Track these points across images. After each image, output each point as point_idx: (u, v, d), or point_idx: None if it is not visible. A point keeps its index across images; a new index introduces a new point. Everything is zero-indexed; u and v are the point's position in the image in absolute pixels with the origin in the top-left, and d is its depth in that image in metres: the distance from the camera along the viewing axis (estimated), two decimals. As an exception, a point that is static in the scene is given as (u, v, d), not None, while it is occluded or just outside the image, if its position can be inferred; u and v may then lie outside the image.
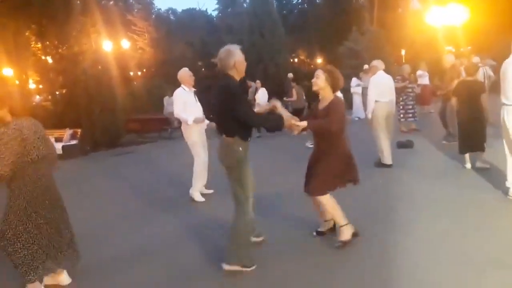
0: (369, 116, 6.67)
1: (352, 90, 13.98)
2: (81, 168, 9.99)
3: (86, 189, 7.48)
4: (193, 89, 5.94)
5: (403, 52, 21.84)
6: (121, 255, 4.16)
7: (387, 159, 6.66)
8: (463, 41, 15.35)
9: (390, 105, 6.69)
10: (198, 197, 5.83)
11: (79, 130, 11.85)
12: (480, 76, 7.90)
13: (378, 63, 6.91)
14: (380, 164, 6.69)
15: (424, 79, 13.18)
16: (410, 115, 9.84)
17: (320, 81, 3.66)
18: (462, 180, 5.49)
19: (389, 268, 3.34)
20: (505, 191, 4.68)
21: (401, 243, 3.77)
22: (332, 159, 3.69)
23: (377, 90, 6.57)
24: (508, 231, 3.87)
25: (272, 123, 3.47)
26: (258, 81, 12.95)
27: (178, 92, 5.89)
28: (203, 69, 27.91)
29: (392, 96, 6.77)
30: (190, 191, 5.90)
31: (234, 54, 3.35)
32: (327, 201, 3.68)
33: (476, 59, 9.77)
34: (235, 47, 3.41)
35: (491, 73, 8.91)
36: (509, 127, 4.51)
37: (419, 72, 13.85)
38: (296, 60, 36.58)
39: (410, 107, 9.84)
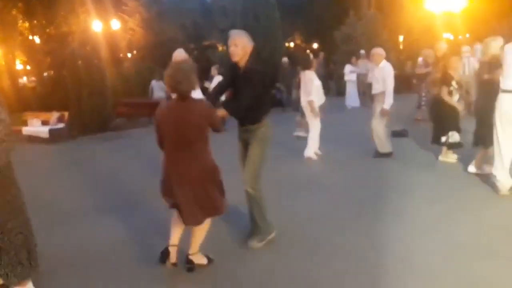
0: (388, 107, 6.34)
1: (346, 77, 13.61)
2: (68, 153, 9.67)
3: (74, 174, 7.21)
4: None
5: (401, 38, 21.50)
6: (96, 246, 3.98)
7: (385, 146, 6.55)
8: (462, 28, 15.07)
9: (385, 96, 6.47)
10: None
11: (66, 113, 11.46)
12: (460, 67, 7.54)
13: (381, 51, 6.62)
14: (379, 154, 6.57)
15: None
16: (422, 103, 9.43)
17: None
18: (455, 170, 5.42)
19: (382, 256, 3.30)
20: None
21: (393, 232, 3.76)
22: None
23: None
24: (501, 222, 3.91)
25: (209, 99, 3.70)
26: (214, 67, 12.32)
27: None
28: (195, 52, 27.42)
29: (390, 87, 6.56)
30: None
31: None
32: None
33: (477, 47, 9.54)
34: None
35: (476, 64, 8.49)
36: (504, 116, 4.35)
37: (421, 60, 13.60)
38: (292, 44, 36.09)
39: (423, 95, 9.39)
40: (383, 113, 6.40)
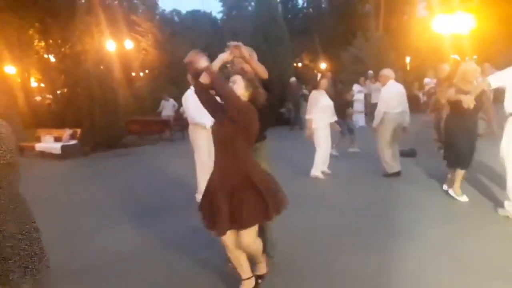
0: (374, 125, 6.61)
1: (354, 97, 13.81)
2: (80, 168, 9.87)
3: (85, 189, 7.36)
4: None
5: (408, 59, 21.70)
6: (117, 257, 4.06)
7: (392, 167, 6.59)
8: (470, 50, 15.19)
9: (401, 116, 6.55)
10: None
11: (78, 130, 11.73)
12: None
13: (388, 72, 6.73)
14: (387, 174, 6.61)
15: (431, 86, 13.08)
16: None
17: (238, 89, 2.98)
18: (463, 190, 5.43)
19: (389, 276, 3.30)
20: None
21: (401, 252, 3.75)
22: None
23: (388, 101, 6.46)
24: (509, 241, 3.89)
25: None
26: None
27: (188, 94, 5.72)
28: (206, 72, 27.72)
29: (405, 106, 6.62)
30: (196, 195, 5.77)
31: None
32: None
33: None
34: None
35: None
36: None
37: (426, 80, 13.77)
38: (299, 64, 36.51)
39: None
40: (374, 131, 6.65)
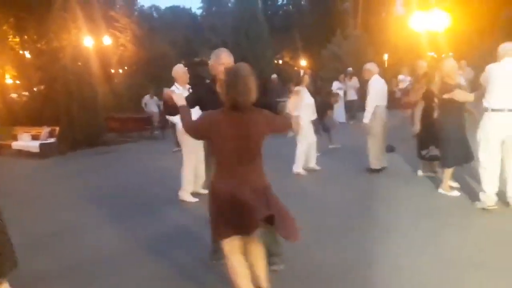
0: (366, 121, 6.53)
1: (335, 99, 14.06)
2: (60, 167, 9.73)
3: (64, 188, 7.25)
4: (188, 87, 5.82)
5: (386, 56, 22.03)
6: (100, 258, 4.03)
7: (378, 164, 6.70)
8: (445, 47, 15.54)
9: (384, 109, 6.70)
10: (189, 198, 5.75)
11: (57, 128, 11.52)
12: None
13: (371, 66, 6.80)
14: (370, 170, 6.72)
15: (405, 83, 13.36)
16: None
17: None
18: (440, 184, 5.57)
19: (372, 270, 3.37)
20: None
21: (383, 246, 3.85)
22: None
23: (377, 95, 6.53)
24: (488, 234, 4.04)
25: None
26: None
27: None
28: (186, 68, 27.59)
29: (386, 100, 6.75)
30: (179, 192, 5.83)
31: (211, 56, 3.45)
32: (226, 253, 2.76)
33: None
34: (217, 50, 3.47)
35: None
36: (489, 133, 4.57)
37: (400, 77, 14.04)
38: (280, 61, 36.61)
39: None
40: (362, 127, 6.63)
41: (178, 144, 9.75)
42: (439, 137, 5.31)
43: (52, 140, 11.33)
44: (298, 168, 7.01)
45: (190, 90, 5.90)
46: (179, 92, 5.71)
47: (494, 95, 4.50)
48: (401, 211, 4.83)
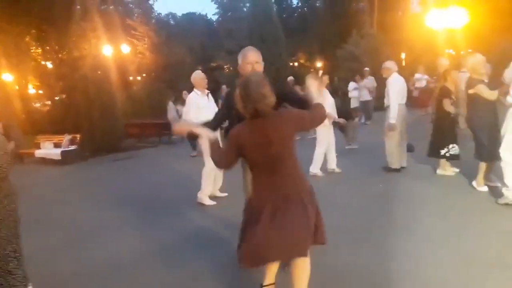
0: (393, 121, 6.39)
1: (350, 94, 13.95)
2: (81, 173, 9.95)
3: (85, 193, 7.42)
4: (207, 92, 6.01)
5: (403, 55, 21.79)
6: (122, 260, 4.11)
7: (397, 163, 6.63)
8: (464, 44, 15.28)
9: (405, 107, 6.63)
10: (208, 201, 5.83)
11: (78, 135, 11.80)
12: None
13: (391, 64, 6.70)
14: (389, 169, 6.65)
15: (422, 82, 13.23)
16: None
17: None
18: (458, 183, 5.50)
19: (392, 269, 3.35)
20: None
21: (403, 245, 3.82)
22: None
23: (399, 92, 6.44)
24: (507, 233, 3.96)
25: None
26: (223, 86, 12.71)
27: (190, 96, 6.00)
28: (204, 74, 27.89)
29: (405, 98, 6.66)
30: (198, 194, 5.91)
31: (238, 57, 3.26)
32: None
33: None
34: (244, 49, 3.29)
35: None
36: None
37: (417, 76, 13.90)
38: (296, 64, 36.61)
39: None
40: (388, 127, 6.49)
41: (194, 148, 9.89)
42: (472, 131, 5.24)
43: (73, 147, 11.60)
44: (315, 169, 6.96)
45: (209, 95, 6.02)
46: (199, 97, 5.87)
47: None
48: (420, 211, 4.77)
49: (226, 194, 6.05)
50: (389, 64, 6.73)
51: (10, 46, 15.05)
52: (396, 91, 6.42)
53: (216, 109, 6.00)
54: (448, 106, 5.90)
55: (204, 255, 4.01)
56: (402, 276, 3.25)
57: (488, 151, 5.08)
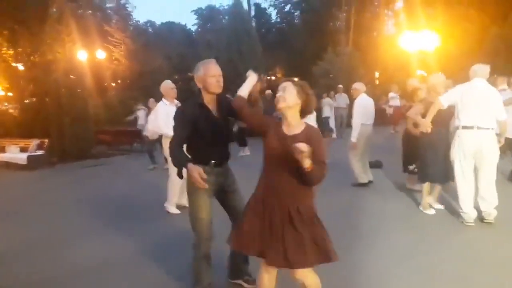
0: (354, 140, 6.58)
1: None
2: (47, 179, 9.66)
3: (51, 200, 7.20)
4: (176, 102, 5.84)
5: (376, 74, 22.33)
6: (83, 269, 3.99)
7: (363, 177, 6.76)
8: (435, 66, 15.82)
9: (371, 127, 6.80)
10: (173, 210, 5.81)
11: (46, 140, 11.48)
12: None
13: (359, 85, 6.93)
14: (356, 184, 6.77)
15: (395, 101, 13.58)
16: None
17: (289, 96, 2.53)
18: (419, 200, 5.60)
19: (356, 282, 3.37)
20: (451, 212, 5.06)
21: (366, 259, 3.85)
22: None
23: (363, 113, 6.63)
24: (468, 249, 4.08)
25: (176, 160, 2.94)
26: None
27: (159, 106, 5.93)
28: (179, 83, 27.78)
29: (373, 119, 6.83)
30: (165, 204, 5.88)
31: (198, 68, 3.09)
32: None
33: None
34: (204, 61, 3.15)
35: None
36: (460, 151, 4.68)
37: (391, 94, 14.28)
38: (273, 77, 36.92)
39: None
40: (350, 145, 6.70)
41: (154, 161, 9.74)
42: (418, 151, 5.35)
43: (41, 152, 11.27)
44: None
45: (179, 105, 5.93)
46: (167, 107, 5.78)
47: (464, 114, 4.62)
48: (386, 226, 4.85)
49: None
50: (358, 86, 6.95)
51: (-20, 47, 14.63)
52: (359, 112, 6.64)
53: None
54: (409, 125, 6.07)
55: (166, 266, 3.94)
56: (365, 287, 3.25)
57: (429, 173, 5.16)
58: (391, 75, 18.66)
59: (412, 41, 16.51)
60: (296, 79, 2.99)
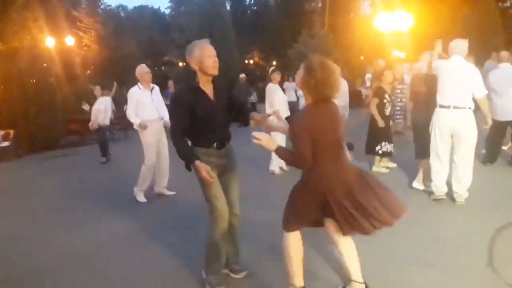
0: None
1: (298, 93, 13.90)
2: (14, 172, 9.33)
3: (19, 192, 7.01)
4: (151, 86, 5.66)
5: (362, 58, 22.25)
6: (51, 261, 3.91)
7: None
8: (409, 46, 15.86)
9: (343, 109, 6.69)
10: (141, 198, 5.68)
11: (12, 131, 11.05)
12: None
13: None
14: None
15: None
16: (397, 116, 9.35)
17: (298, 79, 2.67)
18: (391, 180, 5.57)
19: (311, 263, 3.29)
20: (429, 193, 4.99)
21: (325, 240, 3.69)
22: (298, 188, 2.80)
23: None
24: (431, 230, 4.04)
25: (181, 154, 2.86)
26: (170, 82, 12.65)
27: (132, 91, 5.68)
28: (155, 68, 27.29)
29: (346, 100, 6.74)
30: (134, 189, 5.72)
31: (191, 50, 2.91)
32: (287, 242, 2.83)
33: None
34: (198, 42, 2.95)
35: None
36: (436, 128, 4.65)
37: (368, 75, 14.21)
38: (251, 61, 36.58)
39: (398, 108, 9.20)
40: None
41: (104, 154, 9.44)
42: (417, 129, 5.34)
43: (6, 143, 10.85)
44: (273, 166, 6.88)
45: (154, 90, 5.71)
46: (140, 92, 5.55)
47: (441, 92, 4.58)
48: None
49: (174, 193, 5.88)
50: None
51: None
52: None
53: (162, 105, 5.73)
54: (373, 106, 6.07)
55: (140, 254, 3.89)
56: (320, 268, 3.30)
57: (421, 148, 5.19)
58: (367, 57, 18.61)
59: (387, 22, 16.50)
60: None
